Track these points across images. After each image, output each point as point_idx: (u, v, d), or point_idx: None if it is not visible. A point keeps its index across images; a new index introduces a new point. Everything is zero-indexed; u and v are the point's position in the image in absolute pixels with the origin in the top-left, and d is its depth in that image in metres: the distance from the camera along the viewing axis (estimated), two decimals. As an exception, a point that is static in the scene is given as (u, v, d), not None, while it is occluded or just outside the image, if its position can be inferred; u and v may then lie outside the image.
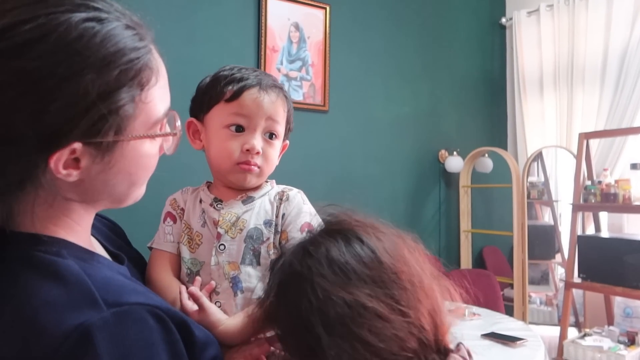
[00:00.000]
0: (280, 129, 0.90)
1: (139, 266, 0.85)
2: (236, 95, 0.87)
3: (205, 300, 0.80)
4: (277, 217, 0.89)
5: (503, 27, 4.00)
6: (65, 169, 0.57)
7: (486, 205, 3.85)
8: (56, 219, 0.62)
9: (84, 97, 0.54)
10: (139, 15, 0.62)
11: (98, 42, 0.55)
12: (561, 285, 3.30)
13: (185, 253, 0.88)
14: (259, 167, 0.88)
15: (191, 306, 0.79)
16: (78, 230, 0.64)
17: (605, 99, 3.29)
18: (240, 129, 0.87)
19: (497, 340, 1.93)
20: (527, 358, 1.79)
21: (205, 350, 0.64)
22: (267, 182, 0.94)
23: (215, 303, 0.83)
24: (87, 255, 0.63)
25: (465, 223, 3.68)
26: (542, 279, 3.73)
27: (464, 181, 3.67)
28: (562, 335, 2.87)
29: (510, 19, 3.88)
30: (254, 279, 0.85)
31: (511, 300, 3.28)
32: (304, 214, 0.89)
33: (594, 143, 3.22)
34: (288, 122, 0.93)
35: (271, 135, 0.89)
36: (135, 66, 0.59)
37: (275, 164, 0.93)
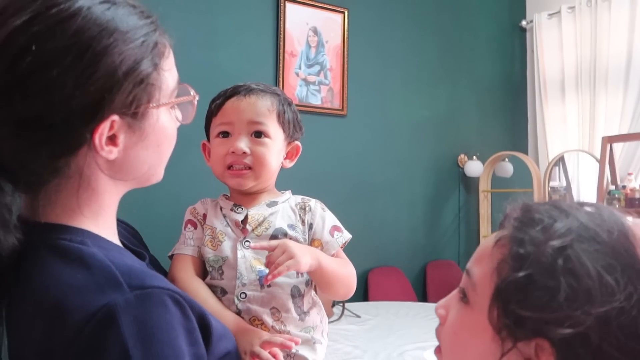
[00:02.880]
0: (269, 129, 0.94)
1: (157, 269, 0.86)
2: (219, 107, 0.95)
3: None
4: (302, 224, 0.95)
5: (523, 30, 3.96)
6: (107, 145, 0.61)
7: (506, 210, 3.79)
8: (83, 207, 0.64)
9: (119, 67, 0.60)
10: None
11: (117, 20, 0.61)
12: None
13: (208, 253, 0.91)
14: (250, 169, 0.92)
15: None
16: (103, 216, 0.67)
17: (629, 102, 3.22)
18: (226, 134, 0.94)
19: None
20: None
21: (220, 341, 0.64)
22: (282, 192, 1.00)
23: (240, 294, 0.88)
24: (110, 245, 0.65)
25: (485, 228, 3.63)
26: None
27: (484, 186, 3.63)
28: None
29: (531, 21, 3.83)
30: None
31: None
32: (328, 219, 0.97)
33: (617, 147, 3.16)
34: (285, 123, 0.96)
35: (259, 135, 0.93)
36: (152, 38, 0.64)
37: (273, 163, 0.95)
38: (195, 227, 0.94)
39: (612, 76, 3.30)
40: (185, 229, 0.95)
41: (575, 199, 3.55)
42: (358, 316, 2.59)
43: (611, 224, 0.55)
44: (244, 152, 0.91)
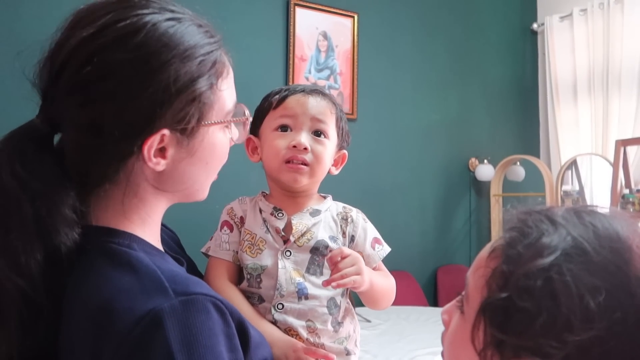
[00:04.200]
0: (329, 130, 0.93)
1: (194, 273, 0.87)
2: (281, 100, 0.93)
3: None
4: (343, 236, 0.94)
5: (535, 33, 3.93)
6: (155, 157, 0.64)
7: (518, 214, 3.76)
8: (131, 213, 0.67)
9: (174, 83, 0.61)
10: (206, 19, 0.70)
11: (179, 37, 0.63)
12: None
13: (247, 260, 0.90)
14: (308, 165, 0.90)
15: None
16: (149, 223, 0.69)
17: (643, 105, 3.19)
18: (286, 128, 0.92)
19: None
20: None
21: (258, 349, 0.66)
22: (324, 197, 0.99)
23: (277, 305, 0.87)
24: (154, 250, 0.68)
25: (496, 233, 3.60)
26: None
27: (495, 190, 3.61)
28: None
29: (542, 24, 3.81)
30: (317, 288, 0.89)
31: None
32: (370, 231, 0.96)
33: (631, 150, 3.12)
34: (340, 129, 0.96)
35: (319, 134, 0.92)
36: (211, 57, 0.66)
37: (327, 165, 0.94)
38: (232, 230, 0.93)
39: (625, 79, 3.26)
40: (220, 230, 0.94)
41: (589, 203, 3.52)
42: (368, 321, 2.58)
43: (604, 239, 0.50)
44: (305, 148, 0.90)
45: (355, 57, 3.14)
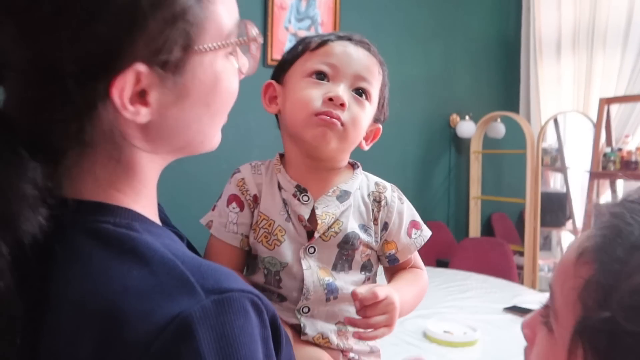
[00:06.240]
0: (372, 90, 0.78)
1: (190, 249, 0.76)
2: (324, 43, 0.77)
3: None
4: (375, 223, 0.80)
5: (520, -14, 3.84)
6: (133, 104, 0.47)
7: (496, 172, 3.77)
8: (120, 182, 0.51)
9: None
10: None
11: None
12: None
13: (263, 252, 0.77)
14: (342, 124, 0.74)
15: None
16: (145, 193, 0.53)
17: (627, 62, 3.16)
18: (322, 77, 0.75)
19: (519, 314, 1.88)
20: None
21: (287, 345, 0.55)
22: (352, 165, 0.84)
23: (302, 309, 0.77)
24: (160, 230, 0.52)
25: (475, 189, 3.61)
26: (545, 246, 3.69)
27: (475, 147, 3.59)
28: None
29: (528, -23, 3.71)
30: (348, 285, 0.77)
31: (520, 267, 3.24)
32: (406, 214, 0.82)
33: (613, 108, 3.11)
34: (383, 97, 0.81)
35: (360, 93, 0.76)
36: None
37: (362, 133, 0.79)
38: (242, 209, 0.78)
39: (610, 36, 3.22)
40: (227, 205, 0.78)
41: (567, 161, 3.54)
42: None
43: None
44: (343, 104, 0.73)
45: (338, 7, 3.01)
